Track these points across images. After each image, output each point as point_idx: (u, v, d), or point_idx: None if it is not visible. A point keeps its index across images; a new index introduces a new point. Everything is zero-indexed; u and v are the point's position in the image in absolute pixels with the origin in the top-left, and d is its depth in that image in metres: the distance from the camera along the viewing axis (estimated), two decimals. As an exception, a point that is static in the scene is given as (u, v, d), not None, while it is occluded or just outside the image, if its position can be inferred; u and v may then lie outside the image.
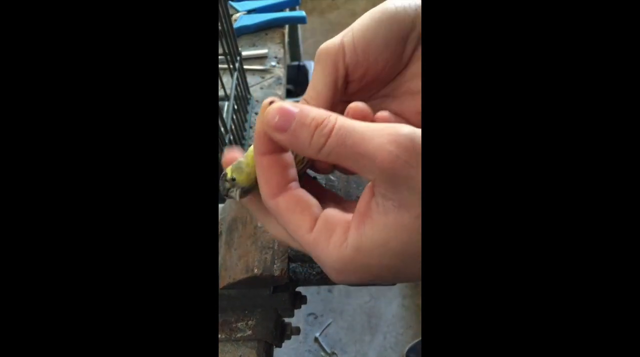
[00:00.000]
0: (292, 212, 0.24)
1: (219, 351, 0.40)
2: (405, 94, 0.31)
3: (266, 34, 0.85)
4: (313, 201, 0.25)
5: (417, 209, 0.21)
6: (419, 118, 0.31)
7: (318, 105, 0.28)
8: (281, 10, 0.90)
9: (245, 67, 0.68)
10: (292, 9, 0.96)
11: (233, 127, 0.53)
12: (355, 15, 0.30)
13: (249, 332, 0.40)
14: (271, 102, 0.23)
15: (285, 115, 0.22)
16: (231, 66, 0.55)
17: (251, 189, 0.26)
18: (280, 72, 0.77)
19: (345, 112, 0.26)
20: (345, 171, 0.32)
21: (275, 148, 0.24)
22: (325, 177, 0.39)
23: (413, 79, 0.30)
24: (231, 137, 0.50)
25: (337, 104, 0.29)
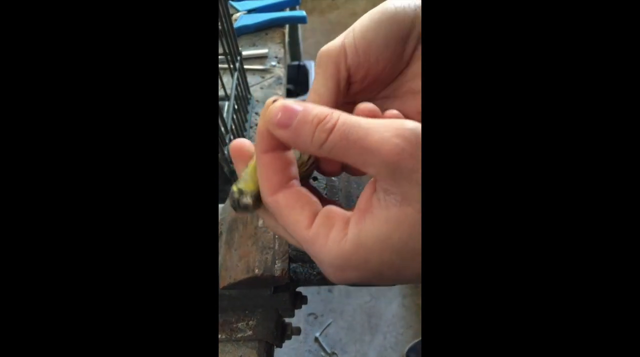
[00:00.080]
0: (292, 209, 0.24)
1: (220, 351, 0.40)
2: (406, 93, 0.31)
3: (266, 34, 0.85)
4: (313, 198, 0.25)
5: (419, 204, 0.21)
6: (419, 117, 0.31)
7: None
8: (281, 10, 0.90)
9: (246, 66, 0.68)
10: (292, 8, 0.96)
11: (233, 127, 0.53)
12: (355, 15, 0.30)
13: (250, 332, 0.40)
14: (274, 101, 0.23)
15: (288, 112, 0.22)
16: (231, 66, 0.55)
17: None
18: (280, 71, 0.77)
19: (354, 113, 0.26)
20: (351, 172, 0.32)
21: (277, 146, 0.24)
22: (327, 177, 0.39)
23: (414, 79, 0.30)
24: (231, 137, 0.49)
25: (340, 106, 0.29)
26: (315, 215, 0.24)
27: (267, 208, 0.25)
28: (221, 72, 0.52)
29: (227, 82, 0.54)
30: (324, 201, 0.27)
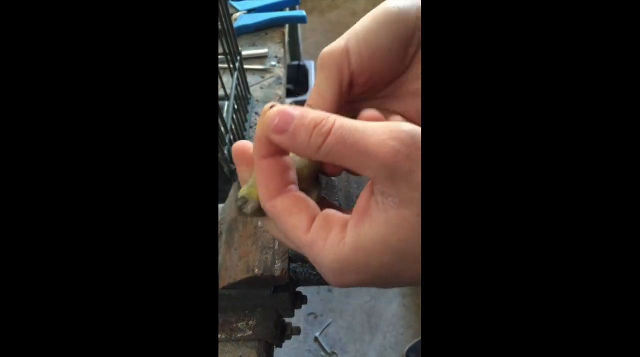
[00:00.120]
0: (290, 213, 0.24)
1: (220, 351, 0.40)
2: (407, 94, 0.31)
3: (266, 34, 0.84)
4: (311, 202, 0.25)
5: (418, 206, 0.21)
6: (419, 118, 0.31)
7: (324, 111, 0.28)
8: (281, 9, 0.90)
9: (246, 66, 0.68)
10: (292, 8, 0.96)
11: (233, 127, 0.53)
12: (355, 15, 0.30)
13: (250, 332, 0.40)
14: (272, 107, 0.23)
15: (285, 117, 0.23)
16: (231, 66, 0.55)
17: None
18: (280, 71, 0.76)
19: (359, 118, 0.26)
20: (351, 171, 0.32)
21: (275, 151, 0.24)
22: (327, 177, 0.39)
23: (415, 80, 0.30)
24: (231, 137, 0.49)
25: (341, 107, 0.29)
26: (313, 219, 0.24)
27: (266, 213, 0.26)
28: (221, 72, 0.52)
29: (227, 82, 0.54)
30: (323, 205, 0.27)
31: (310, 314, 1.47)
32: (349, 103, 0.30)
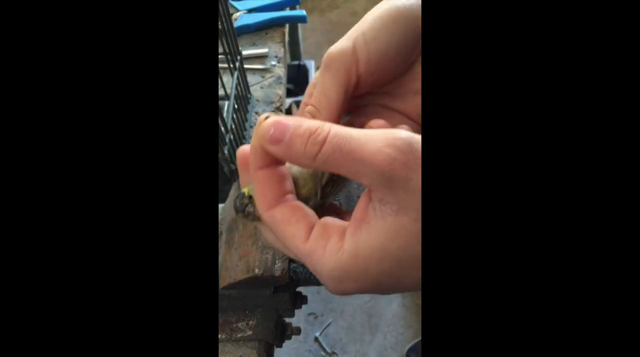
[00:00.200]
0: (288, 223, 0.24)
1: (220, 351, 0.40)
2: (407, 92, 0.30)
3: (266, 33, 0.84)
4: (309, 211, 0.25)
5: (416, 213, 0.21)
6: (419, 116, 0.30)
7: (329, 113, 0.27)
8: (281, 9, 0.90)
9: (246, 66, 0.68)
10: (293, 8, 0.96)
11: (233, 126, 0.53)
12: (355, 15, 0.30)
13: (250, 332, 0.40)
14: (267, 117, 0.23)
15: (280, 127, 0.23)
16: (231, 65, 0.55)
17: None
18: (280, 71, 0.76)
19: (366, 126, 0.26)
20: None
21: (271, 161, 0.25)
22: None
23: (416, 79, 0.30)
24: (231, 137, 0.49)
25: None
26: (311, 228, 0.24)
27: (265, 223, 0.26)
28: (221, 71, 0.52)
29: (227, 82, 0.54)
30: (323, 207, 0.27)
31: (310, 314, 1.47)
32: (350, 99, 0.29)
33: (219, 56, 0.50)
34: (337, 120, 0.28)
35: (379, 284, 0.23)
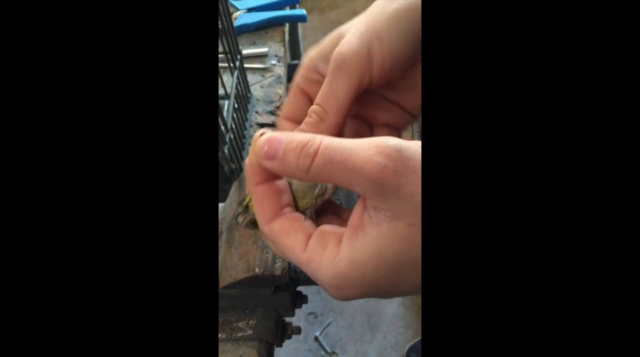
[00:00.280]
0: (287, 235, 0.25)
1: (220, 350, 0.40)
2: (405, 87, 0.31)
3: (266, 33, 0.84)
4: (307, 222, 0.25)
5: (410, 217, 0.21)
6: (418, 109, 0.31)
7: (337, 115, 0.27)
8: (281, 8, 0.89)
9: (246, 65, 0.68)
10: (293, 7, 0.96)
11: (233, 125, 0.53)
12: (355, 14, 0.30)
13: (250, 331, 0.40)
14: (261, 134, 0.24)
15: (273, 143, 0.23)
16: (231, 65, 0.55)
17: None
18: (280, 70, 0.76)
19: (374, 134, 0.26)
20: None
21: (268, 176, 0.25)
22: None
23: (415, 75, 0.30)
24: (232, 136, 0.49)
25: None
26: (309, 237, 0.25)
27: (265, 237, 0.26)
28: (221, 70, 0.52)
29: (227, 81, 0.54)
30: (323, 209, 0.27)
31: (310, 313, 1.47)
32: None
33: (219, 55, 0.50)
34: (344, 122, 0.28)
35: (377, 289, 0.23)
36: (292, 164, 0.23)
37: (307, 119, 0.28)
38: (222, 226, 0.43)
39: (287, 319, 0.45)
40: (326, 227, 0.25)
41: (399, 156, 0.21)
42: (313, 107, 0.28)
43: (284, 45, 0.83)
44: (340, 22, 0.30)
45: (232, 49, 0.54)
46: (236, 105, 0.55)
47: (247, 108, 0.63)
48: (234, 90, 0.53)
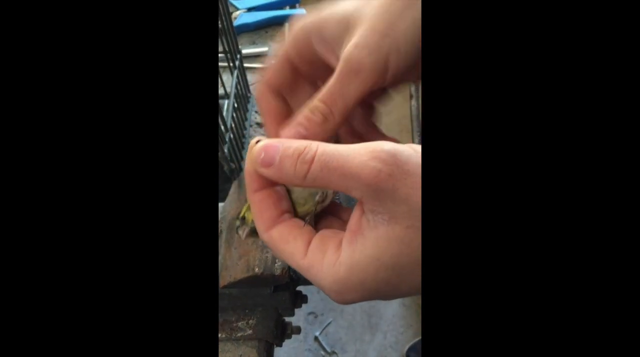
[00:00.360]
0: (286, 242, 0.25)
1: (220, 350, 0.40)
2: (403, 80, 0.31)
3: (266, 32, 0.84)
4: (307, 227, 0.26)
5: (407, 220, 0.21)
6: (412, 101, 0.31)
7: (343, 116, 0.27)
8: (281, 8, 0.89)
9: (246, 65, 0.68)
10: (293, 7, 0.96)
11: (233, 125, 0.53)
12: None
13: (250, 331, 0.40)
14: (257, 141, 0.24)
15: (270, 150, 0.23)
16: (231, 64, 0.55)
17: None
18: (280, 70, 0.76)
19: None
20: None
21: (266, 183, 0.25)
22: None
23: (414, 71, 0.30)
24: (231, 136, 0.49)
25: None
26: (309, 243, 0.25)
27: (265, 243, 0.26)
28: (221, 70, 0.52)
29: (227, 81, 0.54)
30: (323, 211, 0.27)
31: (310, 313, 1.47)
32: None
33: (219, 55, 0.50)
34: (346, 121, 0.28)
35: (378, 292, 0.23)
36: (289, 171, 0.23)
37: (308, 114, 0.27)
38: (222, 226, 0.43)
39: (287, 319, 0.45)
40: (325, 232, 0.25)
41: (394, 160, 0.21)
42: (318, 104, 0.27)
43: (284, 45, 0.83)
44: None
45: (232, 48, 0.54)
46: (236, 105, 0.55)
47: (247, 108, 0.63)
48: (233, 90, 0.53)
